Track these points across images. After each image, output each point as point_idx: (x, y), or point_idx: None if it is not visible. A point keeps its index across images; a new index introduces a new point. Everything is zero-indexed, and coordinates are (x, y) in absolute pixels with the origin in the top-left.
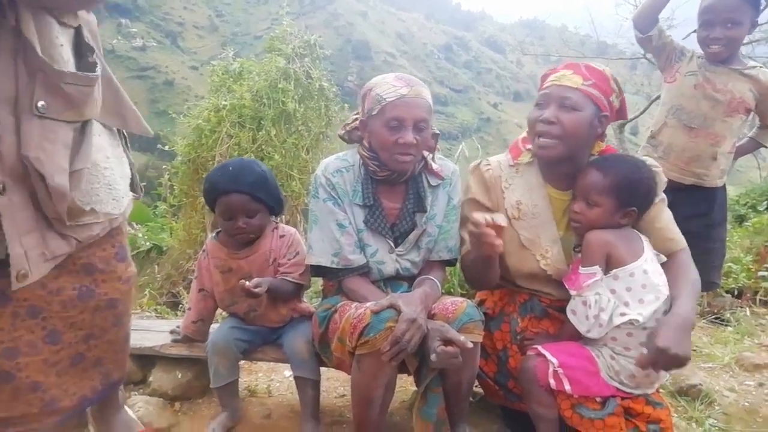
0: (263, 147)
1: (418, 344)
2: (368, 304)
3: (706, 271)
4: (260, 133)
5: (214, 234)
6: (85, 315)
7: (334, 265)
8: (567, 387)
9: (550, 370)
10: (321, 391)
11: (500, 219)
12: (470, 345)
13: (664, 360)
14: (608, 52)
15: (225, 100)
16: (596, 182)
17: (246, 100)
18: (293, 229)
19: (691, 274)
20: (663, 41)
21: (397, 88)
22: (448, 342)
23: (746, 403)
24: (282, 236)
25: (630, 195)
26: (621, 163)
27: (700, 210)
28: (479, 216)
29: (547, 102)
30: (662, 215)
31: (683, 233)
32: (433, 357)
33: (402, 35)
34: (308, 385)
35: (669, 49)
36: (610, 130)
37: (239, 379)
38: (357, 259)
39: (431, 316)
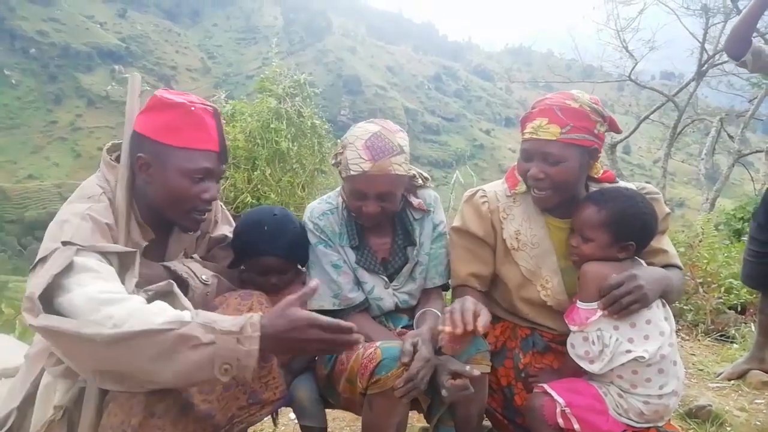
0: (259, 186)
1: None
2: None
3: None
4: (255, 173)
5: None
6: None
7: (335, 307)
8: (576, 426)
9: (558, 410)
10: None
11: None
12: (477, 373)
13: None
14: (594, 75)
15: None
16: (590, 217)
17: (240, 141)
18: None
19: (672, 272)
20: (765, 61)
21: (361, 162)
22: (455, 375)
23: (758, 422)
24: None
25: (625, 229)
26: (617, 198)
27: None
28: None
29: (529, 157)
30: (662, 239)
31: None
32: (444, 392)
33: (391, 68)
34: None
35: None
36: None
37: None
38: (357, 296)
39: (437, 350)
